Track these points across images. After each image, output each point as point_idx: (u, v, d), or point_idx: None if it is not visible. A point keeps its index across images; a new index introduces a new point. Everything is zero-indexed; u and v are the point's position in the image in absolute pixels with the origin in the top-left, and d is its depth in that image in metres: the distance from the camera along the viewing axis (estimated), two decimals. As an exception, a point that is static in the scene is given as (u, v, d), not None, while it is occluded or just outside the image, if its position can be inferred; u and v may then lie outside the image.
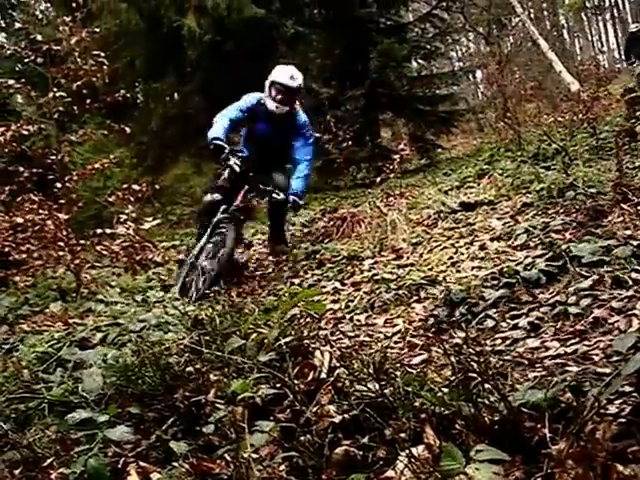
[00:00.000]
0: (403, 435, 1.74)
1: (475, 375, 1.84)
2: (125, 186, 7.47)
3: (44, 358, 3.24)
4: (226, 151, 5.86)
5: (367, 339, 3.43)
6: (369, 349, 3.01)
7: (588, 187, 5.30)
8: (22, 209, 6.57)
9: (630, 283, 3.05)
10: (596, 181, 5.52)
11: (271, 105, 6.17)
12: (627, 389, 1.77)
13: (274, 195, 6.11)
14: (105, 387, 2.47)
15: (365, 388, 2.01)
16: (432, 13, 15.01)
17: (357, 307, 4.14)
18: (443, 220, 6.15)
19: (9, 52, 7.65)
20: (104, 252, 6.93)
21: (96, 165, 7.62)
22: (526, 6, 27.27)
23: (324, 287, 4.96)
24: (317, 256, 6.06)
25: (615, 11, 39.27)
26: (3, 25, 18.85)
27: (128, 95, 8.20)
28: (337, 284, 4.98)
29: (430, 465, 1.57)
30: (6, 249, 6.44)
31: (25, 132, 7.21)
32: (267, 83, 6.22)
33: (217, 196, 6.15)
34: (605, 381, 1.74)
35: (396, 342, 3.27)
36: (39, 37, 8.11)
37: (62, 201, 6.86)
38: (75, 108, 7.60)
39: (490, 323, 3.14)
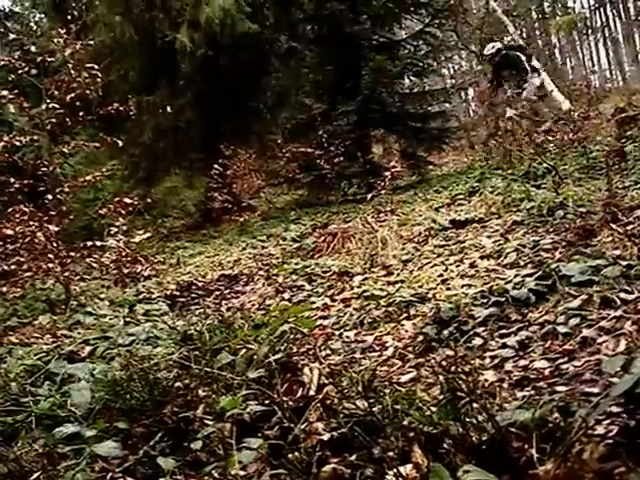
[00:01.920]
0: (391, 454, 1.74)
1: (463, 394, 1.84)
2: (116, 199, 7.46)
3: (32, 371, 3.23)
4: None
5: (357, 356, 3.44)
6: (358, 366, 3.01)
7: (578, 206, 5.33)
8: (12, 220, 6.55)
9: (619, 303, 3.06)
10: (586, 200, 5.54)
11: None
12: (615, 410, 1.77)
13: None
14: (93, 401, 2.46)
15: (354, 406, 2.01)
16: (425, 31, 15.00)
17: (347, 323, 4.13)
18: (433, 237, 6.17)
19: (3, 63, 7.62)
20: (94, 264, 6.92)
21: (88, 177, 7.62)
22: (518, 25, 27.49)
23: (314, 303, 4.95)
24: (307, 271, 6.05)
25: (606, 31, 39.58)
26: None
27: (121, 108, 8.21)
28: (327, 300, 4.97)
29: (418, 484, 1.58)
30: (-5, 260, 6.43)
31: (17, 143, 7.20)
32: None
33: None
34: (593, 402, 1.75)
35: (385, 359, 3.27)
36: (33, 48, 8.13)
37: (53, 213, 6.85)
38: (68, 120, 7.59)
39: (479, 342, 3.14)
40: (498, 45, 11.88)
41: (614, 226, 4.46)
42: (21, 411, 2.51)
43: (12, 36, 16.60)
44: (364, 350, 3.55)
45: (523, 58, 11.34)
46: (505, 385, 2.52)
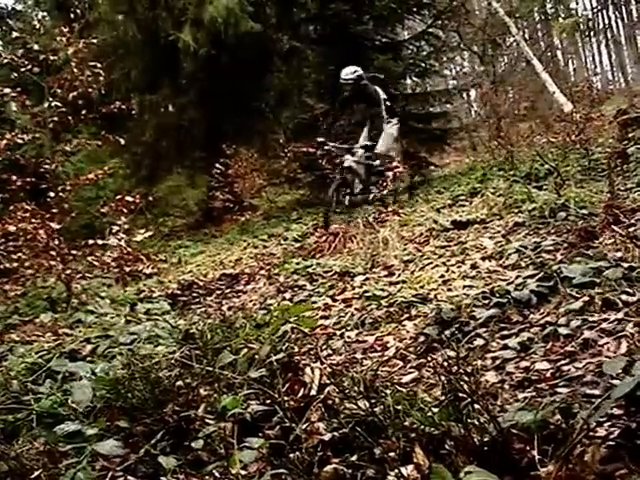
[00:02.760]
0: (392, 454, 1.74)
1: (465, 395, 1.84)
2: (118, 197, 7.47)
3: (33, 369, 3.23)
4: None
5: (358, 356, 3.44)
6: (359, 366, 3.00)
7: (580, 208, 5.32)
8: (14, 218, 6.56)
9: (620, 305, 3.06)
10: (588, 202, 5.54)
11: None
12: (616, 412, 1.78)
13: None
14: (94, 400, 2.46)
15: (355, 406, 2.00)
16: (427, 31, 15.02)
17: (348, 324, 4.13)
18: (435, 238, 6.16)
19: (5, 61, 7.63)
20: (95, 262, 6.92)
21: (90, 175, 7.62)
22: (521, 27, 27.52)
23: (315, 303, 4.94)
24: (308, 271, 6.05)
25: (609, 33, 39.56)
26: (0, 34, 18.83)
27: (123, 106, 8.21)
28: (328, 300, 4.96)
29: (419, 485, 1.57)
30: (-3, 257, 6.44)
31: (19, 141, 7.21)
32: None
33: None
34: (595, 404, 1.75)
35: (387, 360, 3.27)
36: (36, 46, 8.12)
37: (54, 210, 6.86)
38: (70, 118, 7.59)
39: (480, 342, 3.14)
40: (360, 72, 9.46)
41: (616, 228, 4.46)
42: (22, 409, 2.51)
43: (15, 34, 16.58)
44: (365, 350, 3.55)
45: (384, 96, 9.65)
46: (506, 386, 2.52)
